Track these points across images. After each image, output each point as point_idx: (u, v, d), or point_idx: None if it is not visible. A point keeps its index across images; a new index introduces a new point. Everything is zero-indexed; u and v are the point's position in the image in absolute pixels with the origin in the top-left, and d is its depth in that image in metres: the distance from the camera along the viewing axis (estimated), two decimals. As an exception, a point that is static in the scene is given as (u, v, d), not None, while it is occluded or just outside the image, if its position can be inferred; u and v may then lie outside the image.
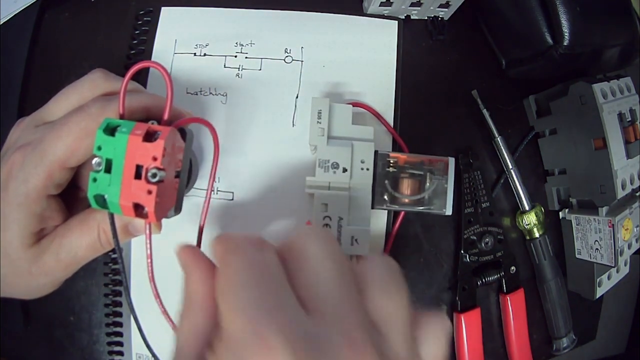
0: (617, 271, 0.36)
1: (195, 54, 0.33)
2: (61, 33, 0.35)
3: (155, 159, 0.18)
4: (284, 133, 0.32)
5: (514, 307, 0.34)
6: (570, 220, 0.35)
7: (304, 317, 0.14)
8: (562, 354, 0.36)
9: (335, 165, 0.27)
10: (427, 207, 0.29)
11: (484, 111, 0.34)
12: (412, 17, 0.35)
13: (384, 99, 0.33)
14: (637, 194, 0.34)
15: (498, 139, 0.34)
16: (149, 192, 0.18)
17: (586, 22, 0.30)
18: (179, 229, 0.30)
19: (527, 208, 0.35)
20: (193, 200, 0.31)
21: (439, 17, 0.35)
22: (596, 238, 0.33)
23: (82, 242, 0.22)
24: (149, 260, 0.22)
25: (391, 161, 0.29)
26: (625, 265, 0.36)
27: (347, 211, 0.27)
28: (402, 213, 0.32)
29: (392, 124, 0.33)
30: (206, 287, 0.17)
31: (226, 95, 0.32)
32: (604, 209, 0.32)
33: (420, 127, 0.34)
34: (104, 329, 0.32)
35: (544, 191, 0.37)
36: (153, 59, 0.33)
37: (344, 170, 0.27)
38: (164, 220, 0.22)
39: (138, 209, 0.19)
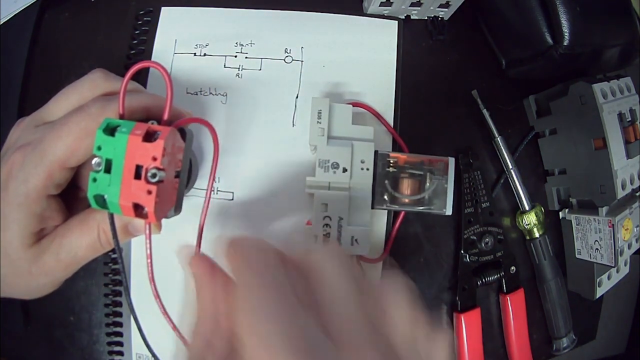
0: (617, 271, 0.36)
1: (195, 54, 0.33)
2: (61, 33, 0.35)
3: (155, 159, 0.18)
4: (284, 133, 0.32)
5: (514, 307, 0.34)
6: (570, 220, 0.35)
7: (327, 347, 0.14)
8: (562, 354, 0.36)
9: (335, 165, 0.27)
10: (427, 207, 0.29)
11: (484, 111, 0.34)
12: (412, 17, 0.35)
13: (384, 99, 0.33)
14: (637, 194, 0.34)
15: (498, 139, 0.34)
16: (149, 192, 0.18)
17: (586, 22, 0.30)
18: (179, 229, 0.30)
19: (527, 208, 0.35)
20: (193, 200, 0.31)
21: (439, 17, 0.35)
22: (596, 238, 0.33)
23: (82, 242, 0.22)
24: (149, 261, 0.22)
25: (391, 161, 0.29)
26: (625, 265, 0.36)
27: (347, 211, 0.27)
28: (402, 213, 0.32)
29: (392, 124, 0.33)
30: (222, 305, 0.16)
31: (226, 95, 0.32)
32: (604, 209, 0.32)
33: (420, 127, 0.34)
34: (104, 329, 0.32)
35: (544, 191, 0.37)
36: (153, 59, 0.33)
37: (344, 170, 0.27)
38: (164, 220, 0.22)
39: (138, 209, 0.19)
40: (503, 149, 0.35)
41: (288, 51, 0.33)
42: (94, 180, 0.19)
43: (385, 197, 0.29)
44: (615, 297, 0.39)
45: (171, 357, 0.29)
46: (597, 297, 0.34)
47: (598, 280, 0.34)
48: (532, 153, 0.37)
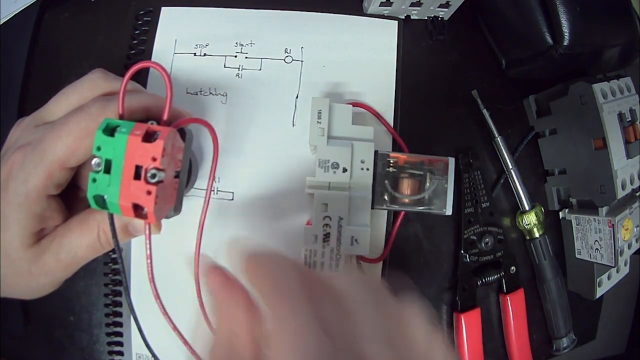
0: (617, 271, 0.36)
1: (195, 54, 0.33)
2: (61, 33, 0.35)
3: (154, 159, 0.18)
4: (284, 133, 0.32)
5: (514, 307, 0.34)
6: (570, 220, 0.35)
7: None
8: (562, 354, 0.36)
9: (335, 165, 0.27)
10: (427, 207, 0.29)
11: (484, 111, 0.34)
12: (412, 17, 0.35)
13: (384, 99, 0.33)
14: (637, 194, 0.34)
15: (498, 139, 0.34)
16: (149, 193, 0.18)
17: (586, 22, 0.30)
18: (179, 229, 0.30)
19: (527, 208, 0.35)
20: (193, 200, 0.31)
21: (439, 17, 0.35)
22: (596, 238, 0.33)
23: (82, 242, 0.22)
24: (149, 261, 0.22)
25: (391, 161, 0.29)
26: (625, 265, 0.36)
27: (347, 211, 0.27)
28: (402, 213, 0.32)
29: (392, 124, 0.33)
30: (244, 328, 0.16)
31: (226, 95, 0.32)
32: (604, 209, 0.32)
33: (420, 127, 0.34)
34: (104, 329, 0.32)
35: (544, 191, 0.37)
36: (153, 59, 0.33)
37: (344, 170, 0.27)
38: (163, 221, 0.22)
39: (137, 210, 0.19)
40: (503, 149, 0.35)
41: (288, 51, 0.33)
42: (94, 180, 0.19)
43: (385, 197, 0.29)
44: (615, 297, 0.39)
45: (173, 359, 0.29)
46: (597, 297, 0.34)
47: (598, 280, 0.34)
48: (532, 153, 0.37)
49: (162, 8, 0.33)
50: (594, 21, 0.30)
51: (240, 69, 0.33)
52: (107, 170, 0.19)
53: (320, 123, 0.28)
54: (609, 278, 0.35)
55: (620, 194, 0.31)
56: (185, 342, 0.27)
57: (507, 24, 0.34)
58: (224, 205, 0.31)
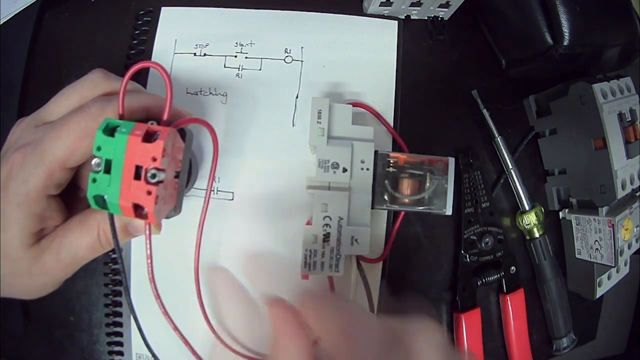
0: (617, 271, 0.36)
1: (195, 54, 0.33)
2: (61, 33, 0.35)
3: (154, 159, 0.18)
4: (284, 133, 0.32)
5: (514, 307, 0.34)
6: (570, 220, 0.35)
7: None
8: (562, 354, 0.36)
9: (335, 165, 0.27)
10: (427, 207, 0.29)
11: (484, 111, 0.34)
12: (412, 17, 0.35)
13: (384, 99, 0.33)
14: (637, 194, 0.34)
15: (498, 139, 0.34)
16: (149, 193, 0.18)
17: (586, 22, 0.30)
18: (179, 229, 0.30)
19: (527, 208, 0.35)
20: (193, 200, 0.31)
21: (439, 17, 0.35)
22: (596, 238, 0.33)
23: (82, 242, 0.22)
24: (149, 261, 0.22)
25: (391, 161, 0.29)
26: (625, 265, 0.36)
27: (347, 211, 0.27)
28: (402, 213, 0.32)
29: (392, 124, 0.33)
30: None
31: (226, 95, 0.32)
32: (604, 209, 0.32)
33: (420, 127, 0.34)
34: (104, 329, 0.32)
35: (544, 191, 0.37)
36: (153, 59, 0.33)
37: (344, 170, 0.27)
38: (163, 221, 0.22)
39: (138, 210, 0.19)
40: (503, 149, 0.35)
41: (288, 51, 0.33)
42: (94, 180, 0.19)
43: (385, 197, 0.29)
44: (615, 297, 0.39)
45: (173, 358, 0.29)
46: (597, 297, 0.34)
47: (598, 280, 0.34)
48: (532, 153, 0.37)
49: (162, 8, 0.33)
50: (594, 21, 0.30)
51: (240, 69, 0.33)
52: (107, 170, 0.19)
53: (320, 123, 0.28)
54: (609, 278, 0.35)
55: (620, 194, 0.31)
56: (186, 342, 0.27)
57: (507, 24, 0.34)
58: (224, 205, 0.31)
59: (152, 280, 0.22)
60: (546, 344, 0.36)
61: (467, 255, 0.34)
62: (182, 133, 0.21)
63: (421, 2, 0.33)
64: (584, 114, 0.32)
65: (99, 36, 0.34)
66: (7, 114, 0.32)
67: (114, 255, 0.32)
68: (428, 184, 0.29)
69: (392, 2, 0.32)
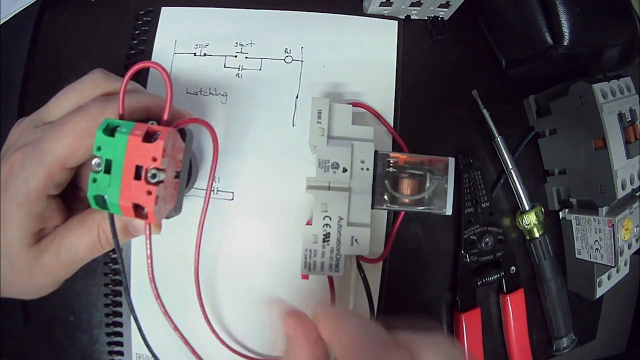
0: (617, 271, 0.36)
1: (195, 54, 0.33)
2: (61, 33, 0.35)
3: (154, 159, 0.18)
4: (284, 133, 0.32)
5: (514, 307, 0.34)
6: (570, 220, 0.35)
7: None
8: (562, 354, 0.36)
9: (335, 165, 0.27)
10: (427, 207, 0.29)
11: (484, 111, 0.34)
12: (412, 17, 0.35)
13: (384, 99, 0.33)
14: (637, 194, 0.34)
15: (498, 139, 0.34)
16: (149, 193, 0.18)
17: (586, 22, 0.30)
18: (179, 229, 0.30)
19: (527, 208, 0.35)
20: (193, 200, 0.31)
21: (439, 17, 0.35)
22: (596, 238, 0.33)
23: (82, 242, 0.22)
24: (149, 261, 0.22)
25: (391, 161, 0.29)
26: (625, 265, 0.36)
27: (347, 211, 0.27)
28: (402, 213, 0.32)
29: (392, 124, 0.33)
30: None
31: (226, 95, 0.32)
32: (604, 209, 0.32)
33: (420, 127, 0.34)
34: (104, 329, 0.32)
35: (544, 191, 0.37)
36: (153, 59, 0.33)
37: (344, 170, 0.27)
38: (163, 220, 0.22)
39: (138, 210, 0.19)
40: (503, 149, 0.35)
41: (288, 51, 0.33)
42: (94, 180, 0.19)
43: (385, 197, 0.29)
44: (615, 297, 0.39)
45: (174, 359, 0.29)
46: (597, 297, 0.34)
47: (598, 280, 0.34)
48: (532, 153, 0.37)
49: (162, 8, 0.33)
50: (594, 21, 0.30)
51: (240, 69, 0.33)
52: (108, 170, 0.19)
53: (320, 123, 0.28)
54: (609, 278, 0.35)
55: (620, 194, 0.31)
56: (186, 342, 0.27)
57: (507, 24, 0.34)
58: (224, 205, 0.31)
59: (152, 280, 0.22)
60: (546, 344, 0.36)
61: (467, 255, 0.34)
62: (182, 133, 0.21)
63: (421, 2, 0.33)
64: (584, 114, 0.32)
65: (99, 36, 0.34)
66: (7, 114, 0.32)
67: (114, 255, 0.32)
68: (428, 184, 0.29)
69: (392, 2, 0.32)
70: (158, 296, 0.23)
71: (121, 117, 0.20)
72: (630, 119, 0.32)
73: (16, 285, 0.23)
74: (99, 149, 0.19)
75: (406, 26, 0.34)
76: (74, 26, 0.35)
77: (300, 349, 0.17)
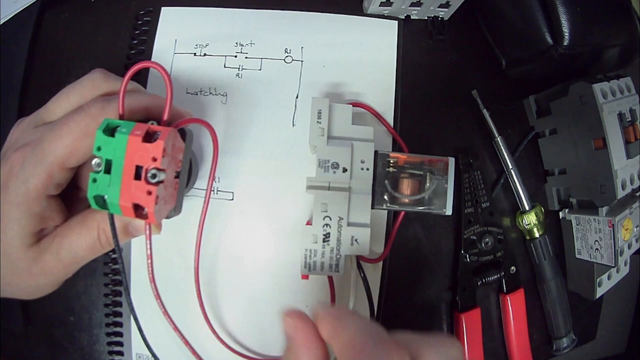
0: (617, 271, 0.36)
1: (195, 54, 0.33)
2: (61, 33, 0.35)
3: (155, 159, 0.18)
4: (284, 133, 0.32)
5: (514, 307, 0.34)
6: (570, 220, 0.35)
7: None
8: (562, 354, 0.36)
9: (335, 165, 0.27)
10: (427, 207, 0.29)
11: (484, 111, 0.34)
12: (412, 17, 0.35)
13: (384, 99, 0.33)
14: (637, 194, 0.34)
15: (498, 139, 0.34)
16: (149, 193, 0.18)
17: (586, 22, 0.30)
18: (179, 229, 0.30)
19: (527, 208, 0.35)
20: (193, 200, 0.31)
21: (439, 17, 0.35)
22: (596, 238, 0.33)
23: (82, 242, 0.22)
24: (149, 261, 0.22)
25: (391, 161, 0.29)
26: (625, 265, 0.36)
27: (347, 211, 0.27)
28: (402, 213, 0.32)
29: (392, 124, 0.33)
30: None
31: (226, 95, 0.32)
32: (604, 209, 0.32)
33: (420, 127, 0.34)
34: (104, 329, 0.32)
35: (544, 191, 0.37)
36: (153, 59, 0.33)
37: (344, 170, 0.27)
38: (163, 220, 0.22)
39: (138, 210, 0.19)
40: (503, 149, 0.35)
41: (288, 51, 0.33)
42: (94, 180, 0.19)
43: (385, 197, 0.29)
44: (615, 297, 0.39)
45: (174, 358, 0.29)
46: (597, 297, 0.34)
47: (598, 280, 0.34)
48: (532, 153, 0.37)
49: (162, 8, 0.33)
50: (594, 21, 0.30)
51: (240, 69, 0.33)
52: (108, 170, 0.19)
53: (320, 123, 0.28)
54: (609, 278, 0.35)
55: (620, 194, 0.31)
56: (186, 342, 0.27)
57: (507, 24, 0.34)
58: (224, 205, 0.31)
59: (153, 280, 0.22)
60: (546, 344, 0.36)
61: (467, 255, 0.34)
62: (182, 133, 0.21)
63: (421, 2, 0.33)
64: (584, 114, 0.32)
65: (99, 36, 0.34)
66: (7, 114, 0.32)
67: (114, 255, 0.32)
68: (428, 184, 0.29)
69: (392, 2, 0.32)
70: (158, 296, 0.23)
71: (121, 117, 0.20)
72: (630, 119, 0.32)
73: (16, 285, 0.23)
74: (99, 149, 0.19)
75: (406, 26, 0.34)
76: (74, 26, 0.35)
77: (300, 349, 0.17)
